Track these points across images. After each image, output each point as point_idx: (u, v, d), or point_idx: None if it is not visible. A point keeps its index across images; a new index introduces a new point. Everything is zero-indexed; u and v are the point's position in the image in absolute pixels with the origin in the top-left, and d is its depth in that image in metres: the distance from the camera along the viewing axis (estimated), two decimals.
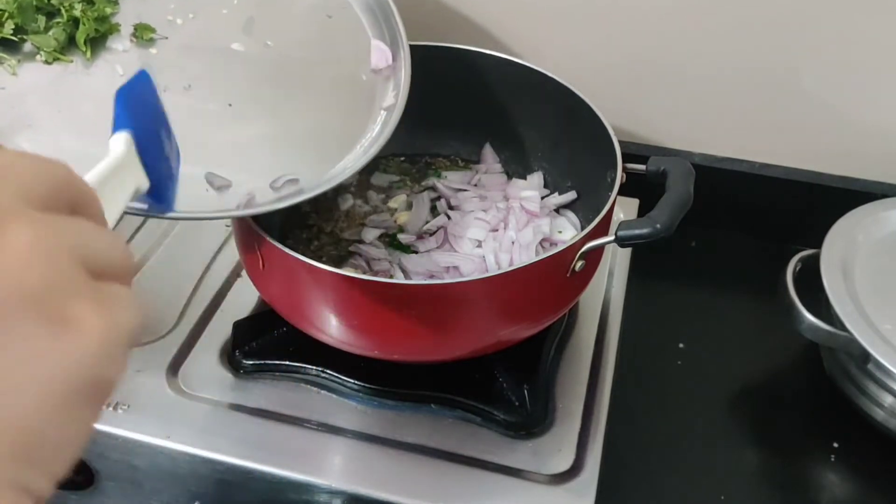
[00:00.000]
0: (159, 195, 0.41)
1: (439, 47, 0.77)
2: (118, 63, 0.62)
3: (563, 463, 0.64)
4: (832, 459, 0.72)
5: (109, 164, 0.37)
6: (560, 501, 0.62)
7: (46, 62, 0.61)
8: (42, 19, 0.62)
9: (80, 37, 0.61)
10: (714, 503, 0.68)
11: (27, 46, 0.61)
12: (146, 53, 0.64)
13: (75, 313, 0.25)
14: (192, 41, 0.66)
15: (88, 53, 0.62)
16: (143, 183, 0.40)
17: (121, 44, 0.64)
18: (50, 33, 0.61)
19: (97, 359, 0.25)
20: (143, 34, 0.64)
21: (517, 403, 0.66)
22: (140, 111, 0.39)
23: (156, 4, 0.67)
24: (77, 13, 0.62)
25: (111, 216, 0.35)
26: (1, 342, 0.23)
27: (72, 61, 0.61)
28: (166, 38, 0.65)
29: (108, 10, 0.64)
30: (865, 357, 0.67)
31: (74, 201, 0.28)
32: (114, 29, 0.64)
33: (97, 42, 0.63)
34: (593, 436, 0.66)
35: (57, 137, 0.56)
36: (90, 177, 0.36)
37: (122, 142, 0.38)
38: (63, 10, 0.62)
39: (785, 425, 0.74)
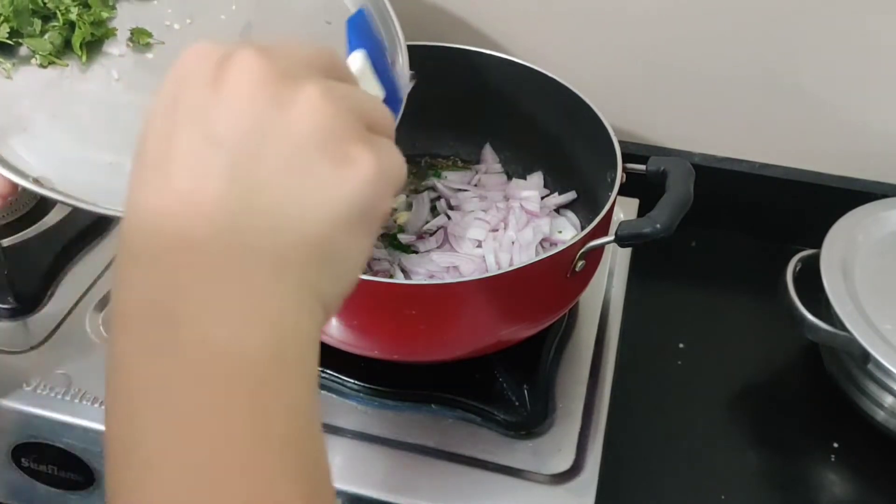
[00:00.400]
0: (391, 105, 0.47)
1: (439, 47, 0.77)
2: (114, 68, 0.62)
3: (563, 463, 0.64)
4: (832, 459, 0.72)
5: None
6: (560, 501, 0.62)
7: (42, 66, 0.60)
8: (38, 23, 0.61)
9: (76, 41, 0.61)
10: (714, 503, 0.68)
11: (23, 50, 0.61)
12: (142, 58, 0.63)
13: (354, 153, 0.30)
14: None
15: (84, 57, 0.61)
16: (380, 94, 0.45)
17: (117, 48, 0.63)
18: (45, 37, 0.61)
19: (370, 190, 0.30)
20: (139, 39, 0.64)
21: (517, 403, 0.66)
22: (365, 38, 0.44)
23: (153, 9, 0.66)
24: (73, 17, 0.61)
25: None
26: (300, 172, 0.29)
27: (67, 65, 0.61)
28: (163, 43, 0.65)
29: (105, 15, 0.64)
30: (865, 357, 0.67)
31: (341, 76, 0.34)
32: (110, 33, 0.64)
33: (93, 46, 0.62)
34: (593, 436, 0.66)
35: (52, 141, 0.56)
36: None
37: (359, 58, 0.43)
38: (59, 14, 0.62)
39: (785, 425, 0.74)
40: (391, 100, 0.46)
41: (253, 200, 0.29)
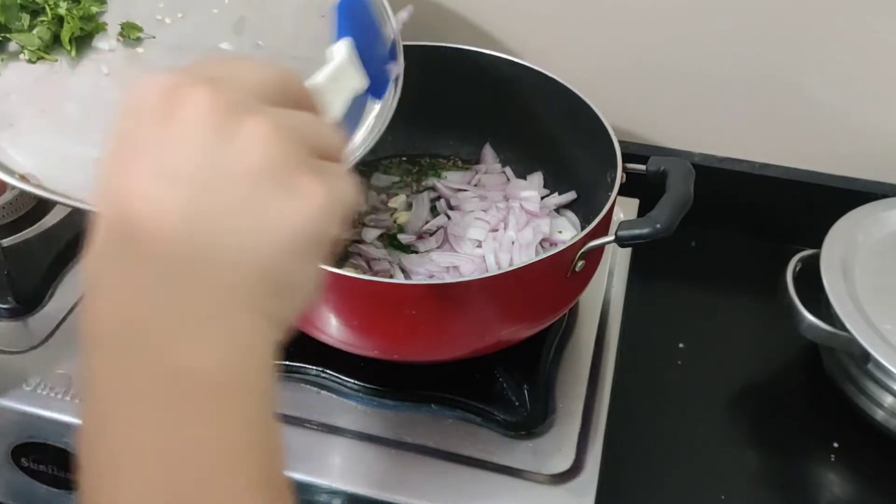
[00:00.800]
0: (376, 91, 0.49)
1: (439, 47, 0.77)
2: (104, 63, 0.61)
3: (563, 463, 0.64)
4: (832, 459, 0.72)
5: (332, 68, 0.44)
6: (560, 501, 0.62)
7: (30, 61, 0.60)
8: (26, 18, 0.61)
9: (65, 36, 0.60)
10: (714, 503, 0.68)
11: (11, 45, 0.61)
12: (133, 53, 0.63)
13: (302, 183, 0.32)
14: (181, 41, 0.65)
15: (73, 52, 0.61)
16: (364, 83, 0.45)
17: (107, 43, 0.63)
18: (34, 32, 0.60)
19: (318, 218, 0.32)
20: (130, 33, 0.63)
21: (517, 403, 0.66)
22: (356, 22, 0.44)
23: (144, 3, 0.66)
24: (62, 12, 0.61)
25: (335, 112, 0.43)
26: (250, 204, 0.31)
27: (56, 60, 0.61)
28: (154, 37, 0.64)
29: (95, 9, 0.63)
30: (865, 357, 0.67)
31: (295, 98, 0.35)
32: (100, 28, 0.63)
33: (83, 41, 0.62)
34: (593, 436, 0.66)
35: (39, 137, 0.56)
36: (316, 80, 0.43)
37: (343, 48, 0.44)
38: (48, 9, 0.61)
39: (785, 425, 0.74)
40: (377, 88, 0.46)
41: (209, 232, 0.31)
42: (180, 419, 0.30)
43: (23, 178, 0.53)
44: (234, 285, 0.31)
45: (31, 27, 0.61)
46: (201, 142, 0.31)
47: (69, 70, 0.61)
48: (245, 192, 0.31)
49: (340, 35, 0.45)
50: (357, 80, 0.45)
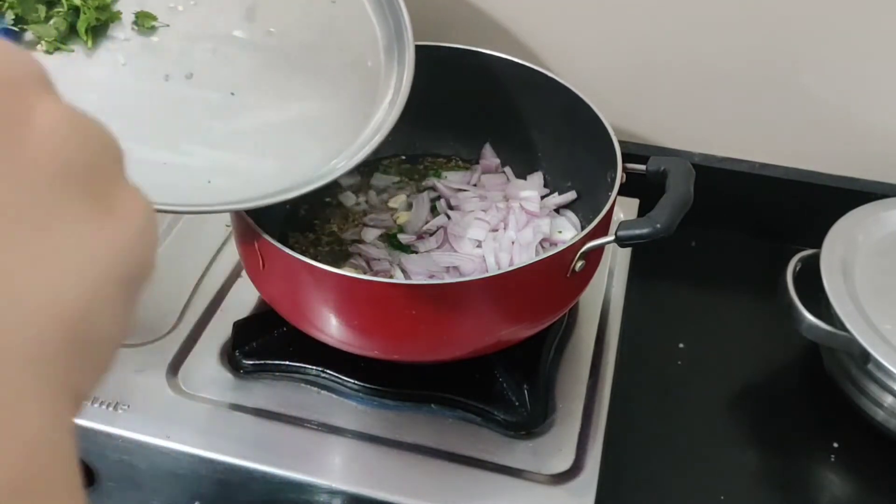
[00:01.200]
0: None
1: (440, 47, 0.77)
2: (120, 52, 0.62)
3: (563, 463, 0.64)
4: (832, 459, 0.72)
5: None
6: (560, 501, 0.62)
7: (48, 52, 0.60)
8: (42, 9, 0.61)
9: (81, 26, 0.61)
10: (714, 503, 0.68)
11: (28, 36, 0.61)
12: (148, 41, 0.63)
13: (120, 195, 0.23)
14: (194, 29, 0.65)
15: (90, 42, 0.61)
16: None
17: (122, 32, 0.63)
18: (50, 23, 0.61)
19: (143, 243, 0.23)
20: (144, 22, 0.64)
21: (517, 403, 0.66)
22: None
23: None
24: (77, 2, 0.61)
25: None
26: (49, 223, 0.21)
27: (73, 51, 0.61)
28: (168, 25, 0.64)
29: None
30: (865, 357, 0.67)
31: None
32: (115, 17, 0.63)
33: (98, 31, 0.62)
34: (593, 436, 0.66)
35: None
36: None
37: None
38: (63, 0, 0.62)
39: (785, 425, 0.74)
40: None
41: None
42: None
43: None
44: (27, 350, 0.20)
45: (47, 18, 0.61)
46: None
47: (86, 60, 0.61)
48: (41, 206, 0.21)
49: None
50: None
